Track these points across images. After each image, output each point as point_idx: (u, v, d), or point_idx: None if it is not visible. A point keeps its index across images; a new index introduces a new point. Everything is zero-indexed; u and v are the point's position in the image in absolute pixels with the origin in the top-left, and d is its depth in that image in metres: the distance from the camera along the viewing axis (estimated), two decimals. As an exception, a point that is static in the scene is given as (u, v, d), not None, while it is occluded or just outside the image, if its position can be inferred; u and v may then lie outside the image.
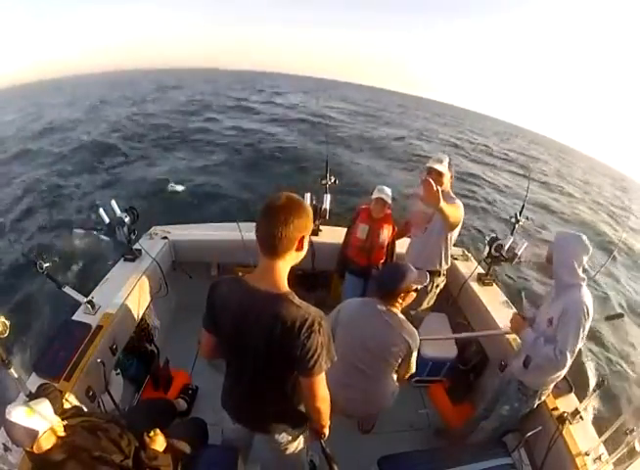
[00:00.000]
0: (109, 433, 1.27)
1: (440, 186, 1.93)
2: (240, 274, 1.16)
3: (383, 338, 1.61)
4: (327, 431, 1.32)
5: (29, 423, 1.06)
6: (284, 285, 1.05)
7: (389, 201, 2.42)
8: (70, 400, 1.53)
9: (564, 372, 1.63)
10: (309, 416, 1.24)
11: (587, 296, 1.52)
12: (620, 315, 1.47)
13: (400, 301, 1.65)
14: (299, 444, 1.39)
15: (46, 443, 1.09)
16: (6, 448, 1.31)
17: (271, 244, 0.99)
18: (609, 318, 1.52)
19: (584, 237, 1.57)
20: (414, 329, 1.64)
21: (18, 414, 1.06)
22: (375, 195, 2.41)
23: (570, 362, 1.52)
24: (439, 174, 2.05)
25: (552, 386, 1.72)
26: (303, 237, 1.01)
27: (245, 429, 1.37)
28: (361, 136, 15.33)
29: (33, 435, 1.06)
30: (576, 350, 1.52)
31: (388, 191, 2.44)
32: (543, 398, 1.74)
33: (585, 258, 1.55)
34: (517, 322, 1.78)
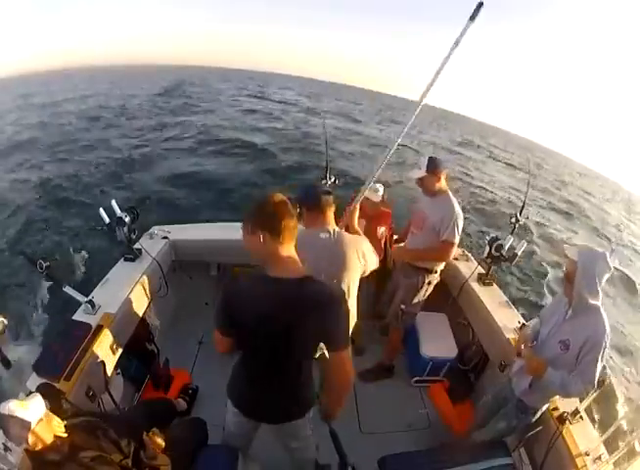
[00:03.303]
0: (108, 433, 1.27)
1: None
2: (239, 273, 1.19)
3: None
4: (337, 413, 1.36)
5: (21, 414, 1.06)
6: (305, 268, 1.14)
7: (377, 198, 2.49)
8: (70, 400, 1.53)
9: None
10: (329, 396, 1.32)
11: (606, 319, 1.45)
12: None
13: None
14: (308, 429, 1.42)
15: (42, 434, 1.09)
16: (6, 449, 1.31)
17: (294, 230, 1.10)
18: None
19: (608, 254, 1.45)
20: None
21: (9, 407, 1.07)
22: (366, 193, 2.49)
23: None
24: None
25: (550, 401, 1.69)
26: None
27: (248, 423, 1.40)
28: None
29: (26, 426, 1.06)
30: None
31: (380, 188, 2.50)
32: (539, 413, 1.69)
33: (606, 278, 1.45)
34: (536, 364, 1.56)
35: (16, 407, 1.06)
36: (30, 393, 1.41)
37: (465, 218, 2.12)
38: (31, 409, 1.09)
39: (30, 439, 1.07)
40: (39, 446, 1.09)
